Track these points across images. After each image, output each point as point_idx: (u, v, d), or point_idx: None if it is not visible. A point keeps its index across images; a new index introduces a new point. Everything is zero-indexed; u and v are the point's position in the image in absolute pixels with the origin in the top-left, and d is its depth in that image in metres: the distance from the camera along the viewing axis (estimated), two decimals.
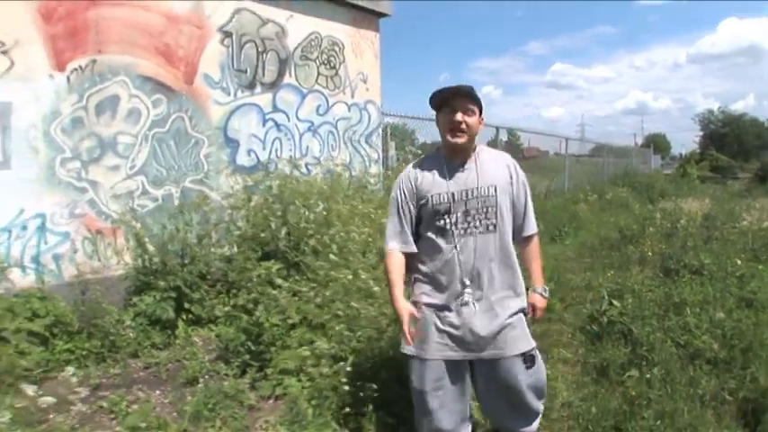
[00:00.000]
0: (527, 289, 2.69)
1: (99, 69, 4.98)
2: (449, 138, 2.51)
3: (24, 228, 4.67)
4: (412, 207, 2.61)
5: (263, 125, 6.35)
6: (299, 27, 6.68)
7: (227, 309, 4.68)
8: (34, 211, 4.70)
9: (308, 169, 6.57)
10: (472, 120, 2.49)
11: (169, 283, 4.80)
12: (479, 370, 2.58)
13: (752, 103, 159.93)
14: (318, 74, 6.95)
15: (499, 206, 2.52)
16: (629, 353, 4.09)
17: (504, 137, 12.81)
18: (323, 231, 4.77)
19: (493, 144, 11.57)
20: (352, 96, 7.44)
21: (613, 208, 10.97)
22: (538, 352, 2.62)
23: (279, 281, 4.49)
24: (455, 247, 2.51)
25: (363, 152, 7.61)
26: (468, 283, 2.50)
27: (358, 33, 7.44)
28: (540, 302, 2.69)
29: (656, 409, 3.20)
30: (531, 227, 2.72)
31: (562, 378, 3.87)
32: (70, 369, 4.15)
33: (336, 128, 7.23)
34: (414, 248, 2.63)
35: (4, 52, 4.50)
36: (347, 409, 3.24)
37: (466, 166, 2.56)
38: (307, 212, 5.06)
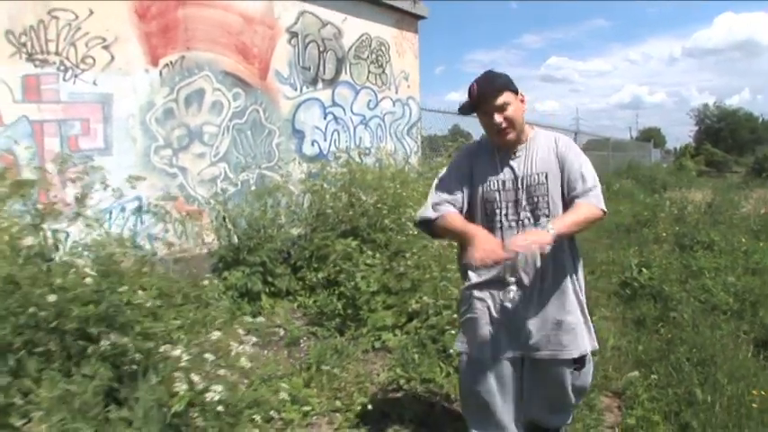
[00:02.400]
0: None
1: (187, 65, 5.00)
2: (497, 139, 2.21)
3: (123, 210, 4.74)
4: (466, 177, 2.29)
5: (324, 118, 6.41)
6: (353, 28, 6.72)
7: (315, 280, 4.81)
8: (132, 194, 4.76)
9: (360, 159, 6.68)
10: (511, 112, 2.14)
11: (256, 259, 4.90)
12: (528, 368, 2.33)
13: (747, 97, 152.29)
14: (369, 72, 7.01)
15: (551, 194, 2.20)
16: (660, 308, 4.64)
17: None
18: (400, 212, 4.89)
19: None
20: (396, 92, 7.50)
21: (621, 198, 11.18)
22: (590, 355, 2.33)
23: (366, 254, 4.62)
24: (506, 239, 2.13)
25: (406, 144, 7.70)
26: (518, 278, 2.19)
27: (401, 35, 7.50)
28: (536, 233, 2.00)
29: (689, 344, 3.69)
30: (586, 193, 2.14)
31: (607, 330, 4.23)
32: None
33: (384, 121, 7.30)
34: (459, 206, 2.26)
35: (106, 47, 4.53)
36: (450, 351, 3.40)
37: (517, 154, 2.24)
38: (379, 195, 5.18)
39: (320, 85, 6.34)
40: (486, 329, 2.26)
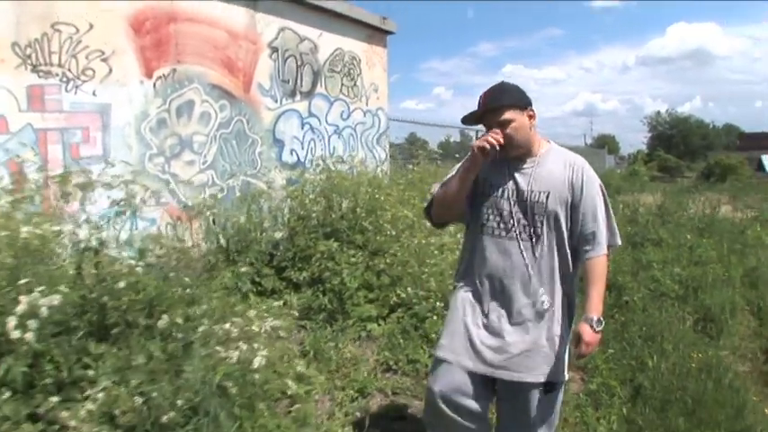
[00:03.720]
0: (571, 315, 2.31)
1: (178, 77, 5.33)
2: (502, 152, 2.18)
3: (119, 214, 5.05)
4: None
5: (302, 128, 6.81)
6: (327, 43, 7.15)
7: (300, 279, 5.25)
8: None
9: (335, 167, 7.15)
10: (513, 128, 2.14)
11: (245, 261, 5.30)
12: (501, 390, 2.29)
13: (698, 105, 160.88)
14: (342, 84, 7.45)
15: (549, 215, 2.17)
16: (614, 296, 5.25)
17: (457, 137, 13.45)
18: (378, 214, 5.40)
19: (446, 145, 12.31)
20: (367, 104, 7.98)
21: None
22: (563, 385, 2.28)
23: (348, 253, 5.11)
24: (501, 249, 2.22)
25: (376, 152, 8.17)
26: (502, 294, 2.21)
27: (371, 49, 7.98)
28: (589, 335, 2.14)
29: (640, 324, 4.37)
30: (598, 246, 2.21)
31: None
32: None
33: (355, 131, 7.76)
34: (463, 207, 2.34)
35: (104, 60, 4.82)
36: (432, 335, 3.95)
37: (525, 167, 2.24)
38: (356, 200, 5.68)
39: (298, 97, 6.76)
40: (461, 335, 2.25)
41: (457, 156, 9.17)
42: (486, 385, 2.25)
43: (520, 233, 2.19)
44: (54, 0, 4.48)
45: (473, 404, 2.21)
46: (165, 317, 2.58)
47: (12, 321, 1.99)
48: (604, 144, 49.57)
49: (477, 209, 2.31)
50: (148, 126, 5.16)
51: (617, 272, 5.75)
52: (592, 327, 2.15)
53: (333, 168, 6.07)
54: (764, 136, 56.04)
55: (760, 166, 40.88)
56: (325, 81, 7.18)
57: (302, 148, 6.83)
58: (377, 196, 5.42)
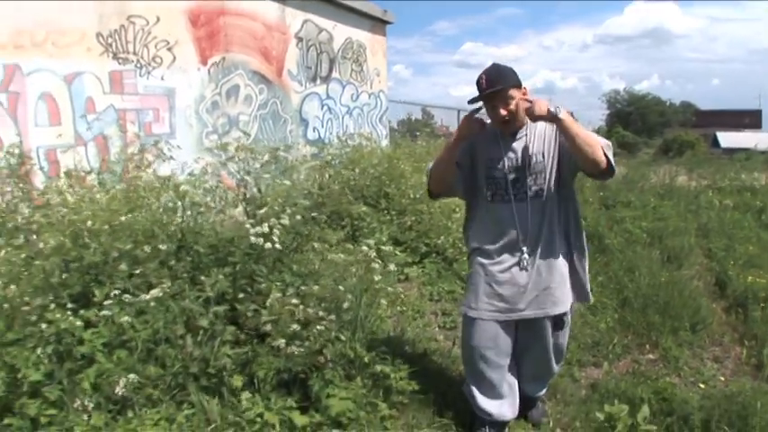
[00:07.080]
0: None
1: (226, 65, 6.10)
2: (500, 127, 2.48)
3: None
4: (467, 159, 2.56)
5: (322, 109, 7.69)
6: (340, 34, 7.99)
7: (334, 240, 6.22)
8: (190, 170, 5.92)
9: (347, 142, 8.11)
10: (513, 105, 2.38)
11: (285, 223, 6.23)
12: (520, 330, 2.61)
13: (656, 82, 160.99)
14: (352, 70, 8.34)
15: (549, 172, 2.46)
16: (596, 245, 6.30)
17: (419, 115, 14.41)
18: (401, 181, 6.41)
19: (408, 122, 13.36)
20: (371, 87, 8.88)
21: None
22: (569, 315, 2.62)
23: (379, 214, 6.12)
24: (508, 211, 2.49)
25: (378, 130, 9.14)
26: (521, 247, 2.48)
27: (374, 38, 8.86)
28: (543, 102, 2.27)
29: (619, 262, 5.43)
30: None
31: None
32: None
33: (363, 111, 8.68)
34: (458, 191, 2.64)
35: (169, 49, 5.56)
36: (462, 273, 4.99)
37: (518, 136, 2.49)
38: (382, 170, 6.67)
39: (318, 81, 7.62)
40: (484, 293, 2.54)
41: (417, 134, 10.25)
42: (510, 327, 2.61)
43: (527, 192, 2.47)
44: None
45: (504, 348, 2.63)
46: (315, 244, 3.54)
47: (254, 238, 2.96)
48: None
49: (481, 184, 2.55)
50: (205, 107, 5.96)
51: (597, 225, 6.87)
52: (554, 107, 2.28)
53: (353, 144, 7.03)
54: (720, 113, 58.28)
55: (715, 142, 43.27)
56: (339, 67, 8.07)
57: (322, 127, 7.74)
58: (401, 165, 6.41)
